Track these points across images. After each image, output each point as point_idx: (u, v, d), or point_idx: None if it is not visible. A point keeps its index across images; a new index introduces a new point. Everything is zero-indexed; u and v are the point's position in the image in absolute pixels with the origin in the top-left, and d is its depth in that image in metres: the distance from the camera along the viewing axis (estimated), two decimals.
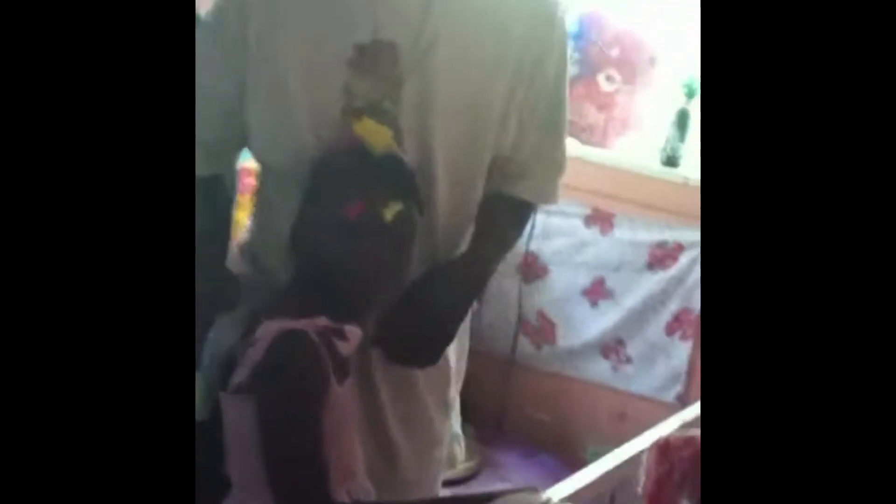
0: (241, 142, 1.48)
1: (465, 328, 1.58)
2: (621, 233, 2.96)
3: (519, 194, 1.52)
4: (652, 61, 3.02)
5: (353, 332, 1.27)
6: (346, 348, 1.26)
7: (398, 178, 1.29)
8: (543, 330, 3.12)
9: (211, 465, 1.28)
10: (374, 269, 1.28)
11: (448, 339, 1.44)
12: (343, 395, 1.27)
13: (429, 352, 1.42)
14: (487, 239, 1.49)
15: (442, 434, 1.57)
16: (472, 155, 1.42)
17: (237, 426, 1.26)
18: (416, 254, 1.34)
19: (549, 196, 1.55)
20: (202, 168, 1.51)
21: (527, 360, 3.17)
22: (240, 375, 1.23)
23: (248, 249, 1.56)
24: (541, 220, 2.96)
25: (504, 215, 1.52)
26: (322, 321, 1.24)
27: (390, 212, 1.26)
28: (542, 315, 3.11)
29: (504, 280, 3.07)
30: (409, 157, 1.33)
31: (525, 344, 3.16)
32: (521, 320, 3.14)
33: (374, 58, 1.34)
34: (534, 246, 3.06)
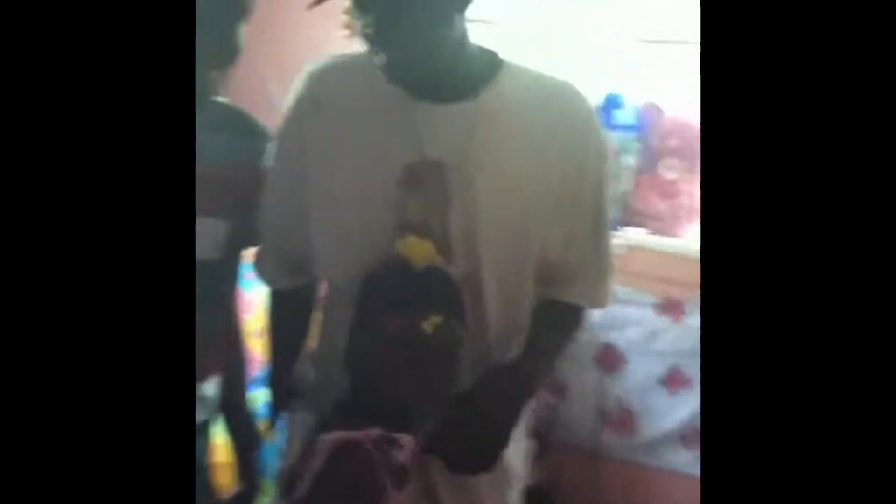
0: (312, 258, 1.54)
1: (527, 425, 1.60)
2: (693, 320, 2.95)
3: (569, 299, 1.55)
4: None
5: (407, 440, 1.31)
6: (401, 456, 1.31)
7: (439, 291, 1.34)
8: (624, 420, 3.10)
9: None
10: (419, 380, 1.33)
11: (502, 444, 1.42)
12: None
13: (484, 459, 1.41)
14: (539, 344, 1.51)
15: None
16: (519, 264, 1.46)
17: None
18: (462, 363, 1.37)
19: (600, 299, 1.58)
20: (284, 282, 1.62)
21: (611, 450, 3.14)
22: (301, 488, 1.29)
23: (313, 359, 1.64)
24: (616, 310, 2.96)
25: (555, 320, 1.55)
26: (376, 431, 1.29)
27: (430, 325, 1.30)
28: (621, 405, 3.10)
29: (583, 371, 3.07)
30: (458, 268, 1.38)
31: (609, 434, 3.15)
32: (602, 411, 3.14)
33: (421, 176, 1.39)
34: (610, 336, 3.07)
